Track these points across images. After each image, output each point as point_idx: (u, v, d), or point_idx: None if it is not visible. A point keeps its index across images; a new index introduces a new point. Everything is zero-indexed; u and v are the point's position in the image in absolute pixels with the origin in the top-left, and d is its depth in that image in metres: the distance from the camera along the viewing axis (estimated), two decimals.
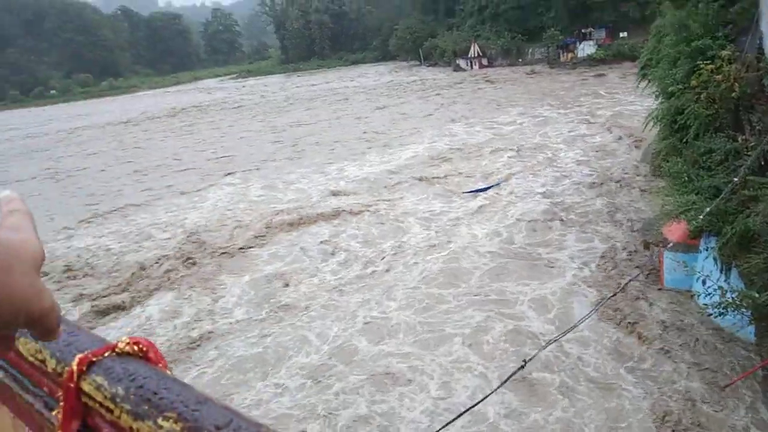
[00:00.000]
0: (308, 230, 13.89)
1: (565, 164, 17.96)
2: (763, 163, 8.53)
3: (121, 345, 0.62)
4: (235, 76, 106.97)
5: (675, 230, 9.25)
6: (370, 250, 12.44)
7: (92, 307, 11.17)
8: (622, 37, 48.57)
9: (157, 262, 13.02)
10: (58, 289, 12.15)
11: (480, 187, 16.05)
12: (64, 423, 0.64)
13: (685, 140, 10.44)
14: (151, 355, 0.61)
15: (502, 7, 62.34)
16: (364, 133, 28.72)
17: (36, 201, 21.74)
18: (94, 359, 0.62)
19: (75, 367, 0.62)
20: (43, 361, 0.70)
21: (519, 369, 6.75)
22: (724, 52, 10.10)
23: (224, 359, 9.12)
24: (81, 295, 11.84)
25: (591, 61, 47.90)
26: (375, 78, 63.32)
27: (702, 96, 10.03)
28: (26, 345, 0.74)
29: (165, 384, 0.56)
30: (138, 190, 21.77)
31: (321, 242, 13.07)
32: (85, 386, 0.61)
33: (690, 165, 9.79)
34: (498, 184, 16.20)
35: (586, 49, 50.29)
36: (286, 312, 10.26)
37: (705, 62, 10.13)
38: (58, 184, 25.40)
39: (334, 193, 17.33)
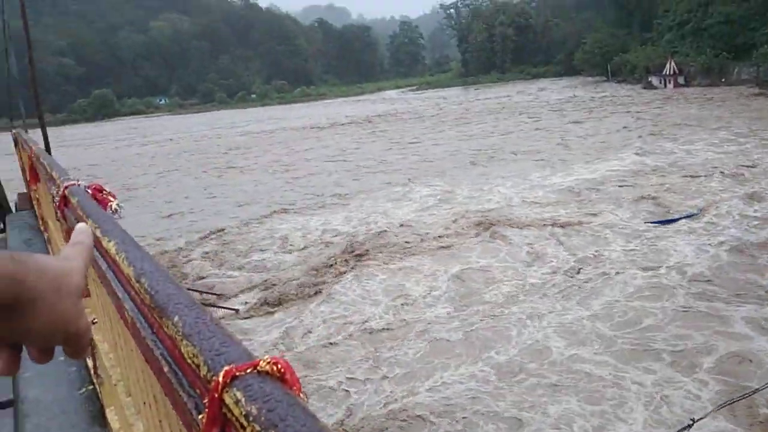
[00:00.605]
0: (513, 233, 14.35)
1: None
2: None
3: (262, 364, 0.66)
4: (415, 87, 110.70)
5: None
6: (572, 258, 12.55)
7: (324, 272, 12.97)
8: None
9: (376, 249, 14.34)
10: (302, 260, 13.93)
11: (672, 218, 14.58)
12: (206, 428, 0.70)
13: None
14: (287, 377, 0.64)
15: (708, 22, 57.91)
16: (559, 144, 28.62)
17: (267, 188, 24.72)
18: (237, 374, 0.66)
19: (221, 379, 0.66)
20: (198, 366, 0.75)
21: (686, 428, 6.59)
22: None
23: (423, 342, 9.82)
24: (317, 264, 13.64)
25: None
26: (558, 93, 62.07)
27: None
28: (187, 348, 0.80)
29: (294, 411, 0.59)
30: (354, 184, 23.66)
31: (524, 246, 13.45)
32: (227, 398, 0.65)
33: None
34: (692, 215, 14.63)
35: None
36: (486, 307, 10.79)
37: None
38: (286, 174, 28.30)
39: (538, 200, 17.62)
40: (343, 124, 51.24)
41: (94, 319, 2.48)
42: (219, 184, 27.43)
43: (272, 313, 11.50)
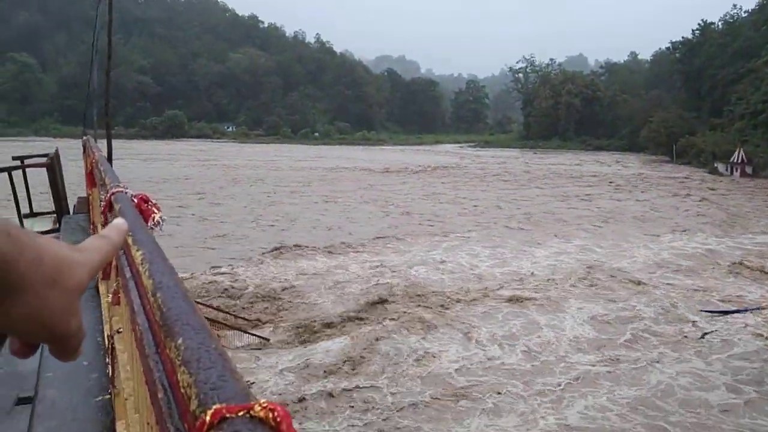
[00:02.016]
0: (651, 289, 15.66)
1: None
2: None
3: (257, 408, 0.58)
4: (473, 144, 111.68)
5: None
6: (697, 319, 13.61)
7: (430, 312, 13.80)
8: None
9: (526, 288, 15.57)
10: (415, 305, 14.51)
11: (728, 309, 14.44)
12: None
13: None
14: (283, 427, 0.57)
15: None
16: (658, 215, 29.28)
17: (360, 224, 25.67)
18: (227, 415, 0.58)
19: (208, 418, 0.58)
20: (189, 398, 0.67)
21: None
22: None
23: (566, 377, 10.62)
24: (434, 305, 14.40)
25: None
26: (625, 167, 62.12)
27: None
28: (183, 375, 0.71)
29: None
30: (464, 231, 24.37)
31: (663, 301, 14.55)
32: None
33: None
34: (751, 310, 14.30)
35: None
36: (624, 352, 11.71)
37: None
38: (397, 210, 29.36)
39: (667, 263, 18.73)
40: (414, 173, 52.17)
41: (120, 328, 2.48)
42: (324, 210, 28.74)
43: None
